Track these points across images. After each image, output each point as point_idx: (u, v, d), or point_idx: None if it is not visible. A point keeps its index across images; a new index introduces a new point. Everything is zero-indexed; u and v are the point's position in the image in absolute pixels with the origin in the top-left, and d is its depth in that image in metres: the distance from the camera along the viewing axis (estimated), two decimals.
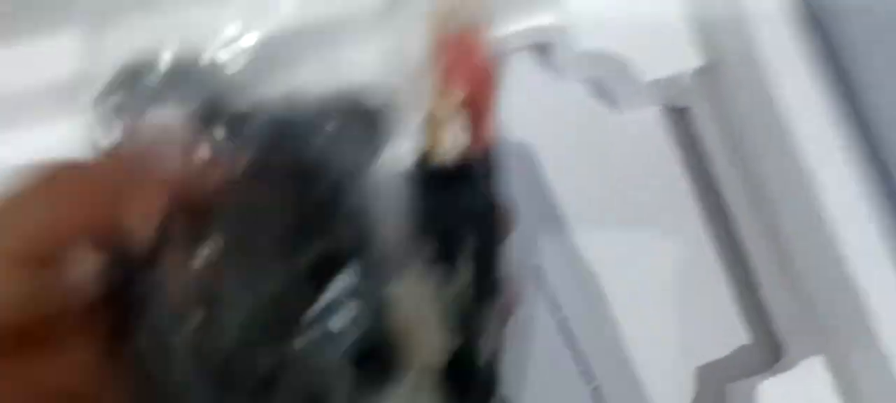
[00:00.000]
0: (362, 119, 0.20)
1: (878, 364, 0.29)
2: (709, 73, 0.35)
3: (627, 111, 0.37)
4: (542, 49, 0.38)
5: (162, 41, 0.20)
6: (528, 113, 0.36)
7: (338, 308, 0.18)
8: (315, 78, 0.21)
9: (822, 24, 0.33)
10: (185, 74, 0.20)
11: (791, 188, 0.32)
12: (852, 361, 0.31)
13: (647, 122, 0.38)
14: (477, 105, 0.20)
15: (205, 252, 0.19)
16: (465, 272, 0.20)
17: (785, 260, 0.33)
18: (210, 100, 0.20)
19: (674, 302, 0.36)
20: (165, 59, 0.20)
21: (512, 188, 0.23)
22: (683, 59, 0.35)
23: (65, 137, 0.21)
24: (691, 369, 0.35)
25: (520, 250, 0.22)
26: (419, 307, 0.19)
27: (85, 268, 0.18)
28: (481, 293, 0.20)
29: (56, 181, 0.19)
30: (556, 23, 0.36)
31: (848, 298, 0.30)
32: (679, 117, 0.38)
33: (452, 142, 0.20)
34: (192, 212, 0.19)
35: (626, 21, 0.35)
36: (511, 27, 0.36)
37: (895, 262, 0.30)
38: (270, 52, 0.21)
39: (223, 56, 0.20)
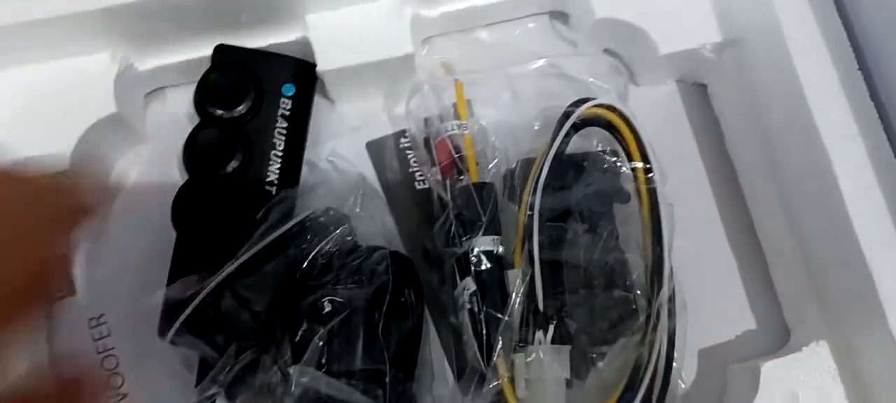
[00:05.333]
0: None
1: (886, 348, 0.29)
2: (728, 49, 0.34)
3: (644, 85, 0.37)
4: (562, 16, 0.38)
5: None
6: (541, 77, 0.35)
7: None
8: None
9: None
10: None
11: (808, 171, 0.31)
12: (859, 345, 0.30)
13: (663, 97, 0.37)
14: None
15: None
16: None
17: (797, 242, 0.33)
18: None
19: (682, 281, 0.35)
20: None
21: None
22: (702, 33, 0.34)
23: None
24: (695, 349, 0.34)
25: None
26: None
27: None
28: None
29: None
30: None
31: (860, 281, 0.29)
32: (696, 93, 0.37)
33: None
34: None
35: None
36: None
37: None
38: None
39: None
